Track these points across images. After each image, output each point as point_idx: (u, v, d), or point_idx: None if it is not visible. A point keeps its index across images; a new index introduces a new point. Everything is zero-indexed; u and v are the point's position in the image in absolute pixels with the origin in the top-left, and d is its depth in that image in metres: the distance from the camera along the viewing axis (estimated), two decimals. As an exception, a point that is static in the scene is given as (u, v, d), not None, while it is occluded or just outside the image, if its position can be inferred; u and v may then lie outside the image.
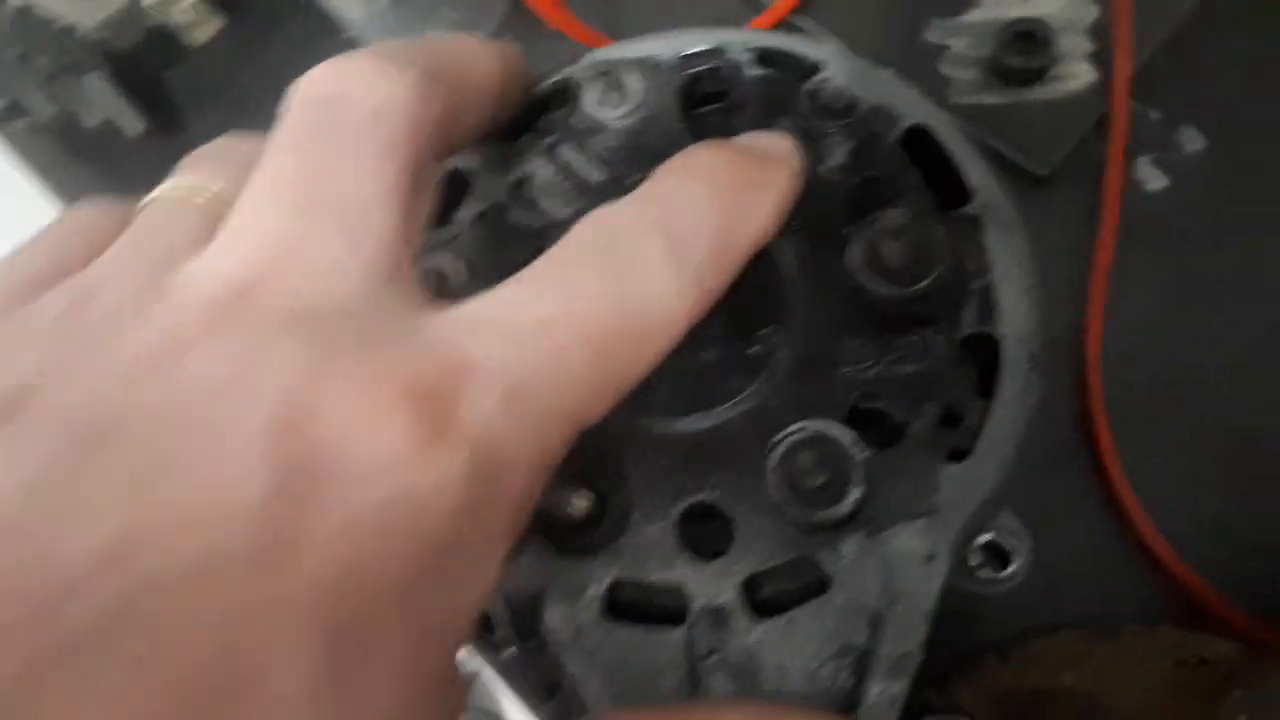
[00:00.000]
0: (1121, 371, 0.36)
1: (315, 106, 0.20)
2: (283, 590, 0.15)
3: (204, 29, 0.45)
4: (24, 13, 0.43)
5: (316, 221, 0.19)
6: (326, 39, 0.47)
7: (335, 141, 0.20)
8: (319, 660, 0.15)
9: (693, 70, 0.28)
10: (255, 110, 0.46)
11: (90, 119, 0.43)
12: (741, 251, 0.22)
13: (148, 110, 0.44)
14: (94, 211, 0.22)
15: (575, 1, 0.45)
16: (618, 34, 0.44)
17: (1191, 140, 0.39)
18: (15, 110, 0.43)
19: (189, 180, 0.22)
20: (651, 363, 0.20)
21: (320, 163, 0.20)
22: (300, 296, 0.18)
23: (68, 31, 0.43)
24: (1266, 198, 0.38)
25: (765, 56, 0.28)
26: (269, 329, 0.18)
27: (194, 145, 0.47)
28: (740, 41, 0.28)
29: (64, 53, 0.43)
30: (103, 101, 0.43)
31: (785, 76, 0.28)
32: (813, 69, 0.27)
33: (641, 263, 0.20)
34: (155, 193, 0.22)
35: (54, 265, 0.21)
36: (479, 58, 0.24)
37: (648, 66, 0.28)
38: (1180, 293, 0.37)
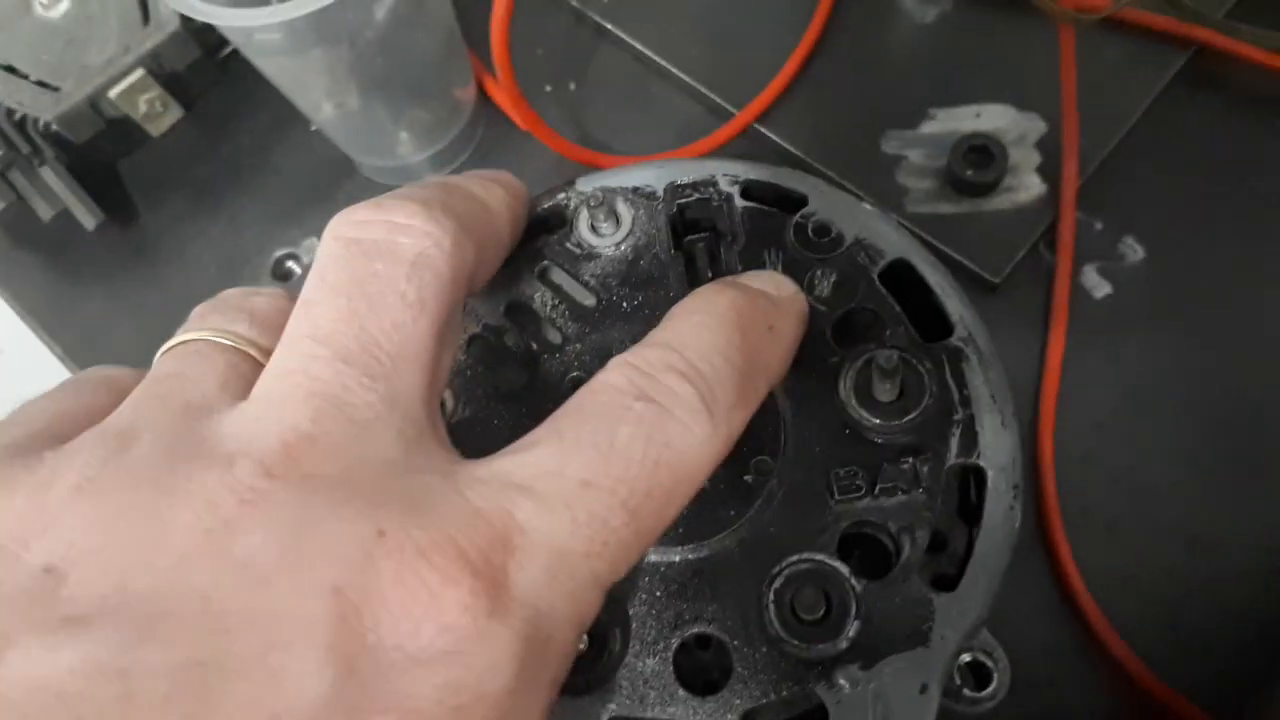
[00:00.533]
0: (1075, 473, 0.38)
1: (357, 250, 0.20)
2: None
3: (163, 120, 0.45)
4: (-21, 103, 0.42)
5: (358, 375, 0.19)
6: (286, 133, 0.46)
7: (376, 292, 0.20)
8: None
9: (683, 200, 0.29)
10: (213, 203, 0.46)
11: (45, 211, 0.42)
12: (761, 395, 0.22)
13: (102, 202, 0.43)
14: (114, 368, 0.22)
15: (542, 103, 0.45)
16: (585, 136, 0.45)
17: (1132, 250, 0.41)
18: (-37, 201, 0.42)
19: (208, 325, 0.22)
20: (676, 515, 0.20)
21: (361, 312, 0.20)
22: (343, 460, 0.18)
23: (24, 123, 0.42)
24: (1201, 305, 0.40)
25: (752, 188, 0.29)
26: (317, 503, 0.17)
27: (147, 239, 0.47)
28: (729, 173, 0.29)
29: (20, 144, 0.42)
30: (59, 193, 0.42)
31: (772, 209, 0.29)
32: (799, 202, 0.28)
33: (676, 412, 0.20)
34: (174, 340, 0.22)
35: (82, 409, 0.20)
36: (500, 202, 0.24)
37: (639, 195, 0.29)
38: (1128, 396, 0.39)
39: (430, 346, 0.20)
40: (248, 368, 0.21)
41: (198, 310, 0.23)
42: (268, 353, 0.21)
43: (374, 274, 0.20)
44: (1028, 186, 0.41)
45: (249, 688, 0.15)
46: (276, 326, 0.21)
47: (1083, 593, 0.36)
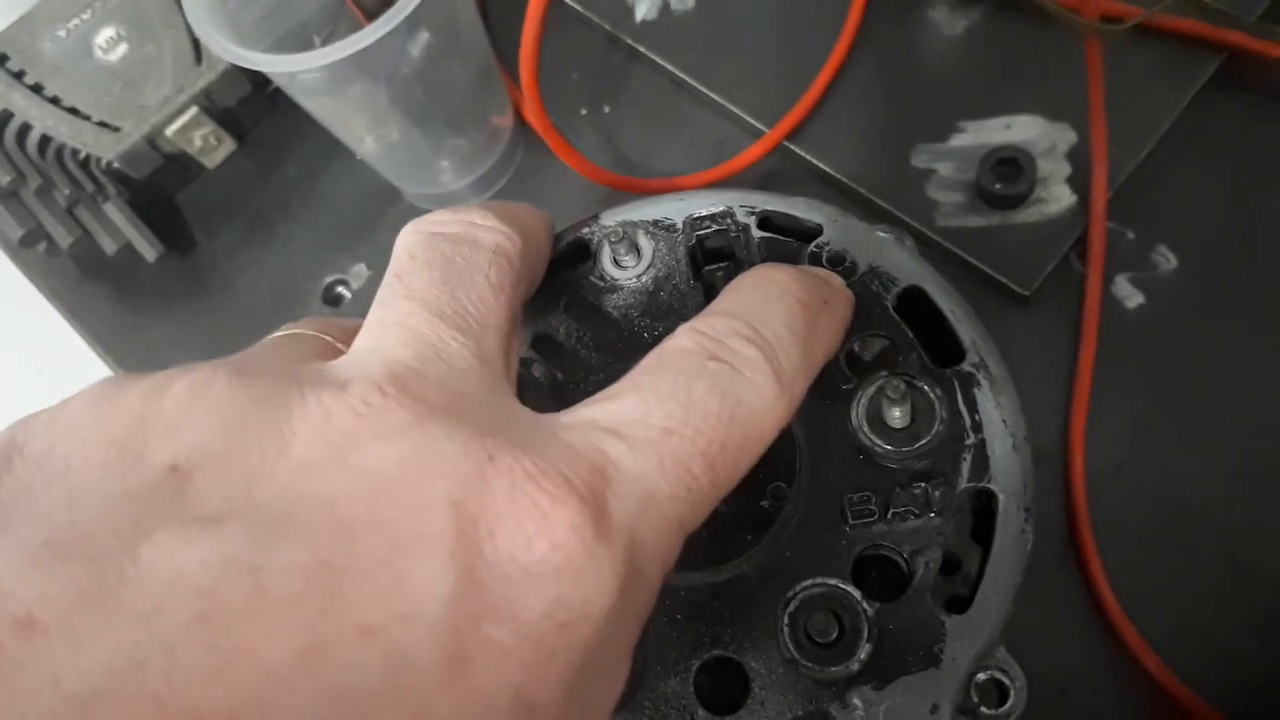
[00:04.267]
0: (1107, 486, 0.38)
1: (443, 241, 0.22)
2: (465, 702, 0.16)
3: (217, 153, 0.47)
4: (45, 144, 0.44)
5: (451, 330, 0.21)
6: (333, 162, 0.48)
7: (463, 268, 0.22)
8: None
9: (701, 231, 0.30)
10: (265, 232, 0.48)
11: (110, 245, 0.44)
12: (819, 364, 0.24)
13: (162, 234, 0.46)
14: None
15: (578, 126, 0.47)
16: (620, 157, 0.46)
17: (1164, 259, 0.41)
18: (32, 237, 0.44)
19: (300, 326, 0.24)
20: (744, 472, 0.21)
21: (452, 282, 0.21)
22: (447, 394, 0.19)
23: (88, 162, 0.44)
24: (1236, 314, 0.40)
25: (769, 219, 0.30)
26: (431, 425, 0.18)
27: (205, 268, 0.49)
28: (746, 204, 0.30)
29: (85, 182, 0.44)
30: (122, 227, 0.44)
31: (788, 238, 0.29)
32: (814, 232, 0.29)
33: (746, 372, 0.21)
34: (265, 339, 0.24)
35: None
36: (540, 222, 0.26)
37: (660, 228, 0.30)
38: (1161, 407, 0.39)
39: (506, 324, 0.22)
40: (338, 356, 0.22)
41: (287, 324, 0.24)
42: None
43: (461, 255, 0.22)
44: (1058, 197, 0.41)
45: (375, 588, 0.16)
46: None
47: (1115, 608, 0.36)
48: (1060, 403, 0.39)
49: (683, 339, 0.22)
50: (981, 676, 0.26)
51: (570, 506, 0.18)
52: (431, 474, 0.17)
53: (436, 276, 0.21)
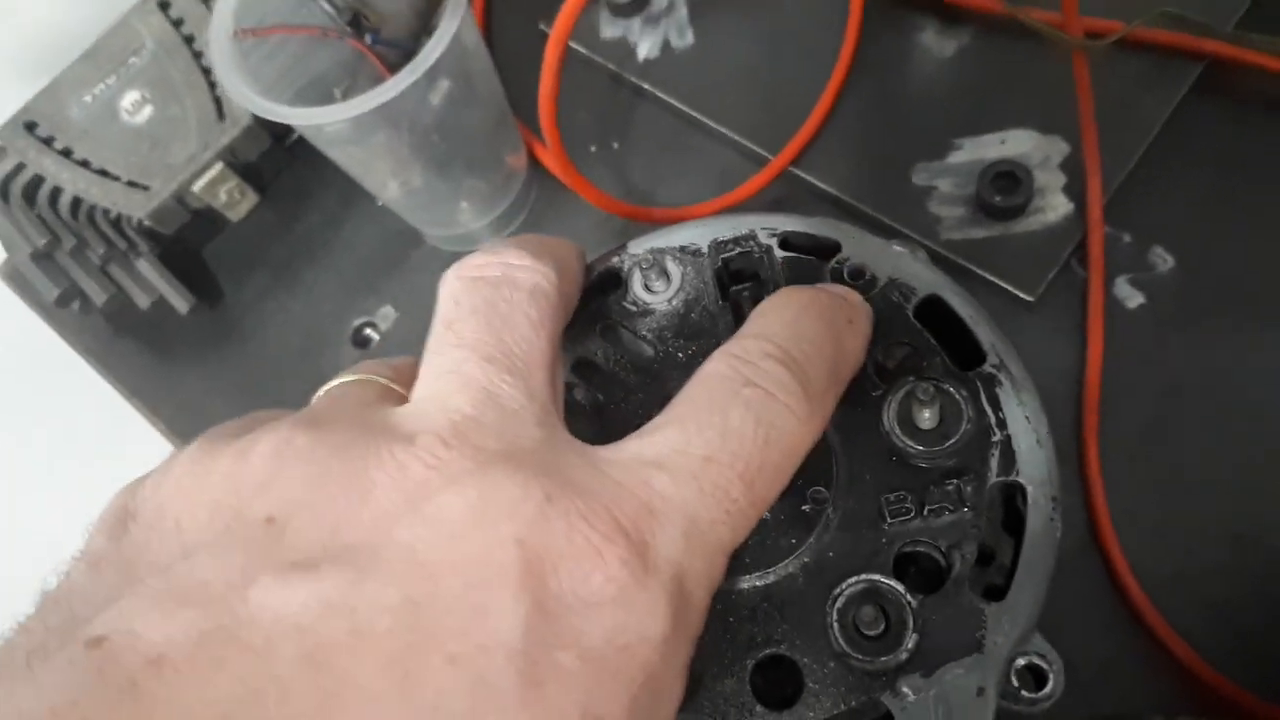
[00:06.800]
0: (1122, 479, 0.39)
1: (484, 286, 0.24)
2: None
3: (241, 206, 0.48)
4: (77, 206, 0.46)
5: (501, 373, 0.22)
6: (353, 209, 0.50)
7: (506, 311, 0.24)
8: None
9: (726, 254, 0.31)
10: (291, 280, 0.50)
11: (144, 300, 0.46)
12: (845, 380, 0.25)
13: (191, 286, 0.47)
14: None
15: (588, 163, 0.48)
16: (630, 189, 0.47)
17: (1162, 260, 0.43)
18: (67, 296, 0.46)
19: (354, 373, 0.25)
20: (781, 489, 0.23)
21: (497, 327, 0.23)
22: (504, 439, 0.21)
23: (119, 221, 0.46)
24: (1233, 307, 0.41)
25: (789, 239, 0.31)
26: (492, 471, 0.20)
27: (234, 317, 0.50)
28: (767, 226, 0.31)
29: (117, 241, 0.46)
30: (154, 282, 0.46)
31: (809, 256, 0.31)
32: (833, 249, 0.31)
33: (778, 395, 0.23)
34: (327, 385, 0.25)
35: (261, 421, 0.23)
36: (573, 254, 0.28)
37: (686, 253, 0.31)
38: (1166, 400, 0.41)
39: (550, 358, 0.24)
40: (397, 397, 0.24)
41: (342, 373, 0.26)
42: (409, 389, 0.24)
43: (503, 298, 0.24)
44: (1055, 206, 0.43)
45: (457, 622, 0.18)
46: (413, 379, 0.24)
47: (1137, 593, 0.38)
48: (1072, 401, 0.41)
49: (718, 364, 0.24)
50: (1020, 662, 0.27)
51: (619, 544, 0.19)
52: (497, 517, 0.19)
53: (482, 322, 0.23)
